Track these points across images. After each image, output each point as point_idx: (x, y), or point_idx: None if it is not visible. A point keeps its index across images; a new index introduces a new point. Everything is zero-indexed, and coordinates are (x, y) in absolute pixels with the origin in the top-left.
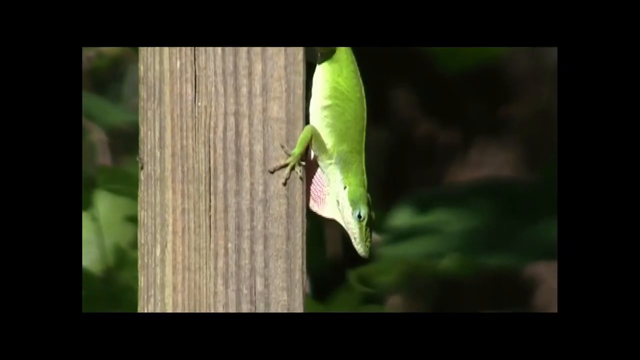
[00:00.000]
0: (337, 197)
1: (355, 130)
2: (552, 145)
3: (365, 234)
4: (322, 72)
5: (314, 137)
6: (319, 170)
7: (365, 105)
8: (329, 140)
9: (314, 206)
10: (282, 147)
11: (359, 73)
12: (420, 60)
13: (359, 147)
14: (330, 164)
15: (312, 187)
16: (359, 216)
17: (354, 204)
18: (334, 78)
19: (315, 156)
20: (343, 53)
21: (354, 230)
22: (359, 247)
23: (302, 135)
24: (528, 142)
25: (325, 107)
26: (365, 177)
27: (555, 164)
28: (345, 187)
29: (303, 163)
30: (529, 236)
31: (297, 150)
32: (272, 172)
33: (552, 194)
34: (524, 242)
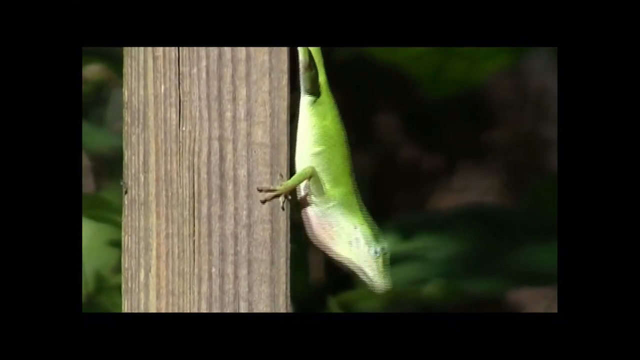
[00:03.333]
0: (349, 237)
1: (347, 172)
2: (535, 170)
3: (385, 269)
4: (308, 116)
5: (314, 179)
6: (315, 212)
7: (348, 148)
8: (325, 184)
9: (329, 243)
10: (281, 176)
11: (339, 115)
12: (404, 85)
13: (353, 188)
14: (330, 206)
15: (321, 227)
16: (376, 252)
17: (369, 241)
18: (321, 122)
19: (312, 200)
20: (326, 96)
21: (369, 268)
22: (377, 284)
23: (301, 172)
24: (511, 167)
25: (317, 154)
26: (368, 214)
27: (539, 189)
28: (355, 227)
29: (289, 197)
30: (512, 262)
31: (290, 182)
32: (260, 191)
33: (536, 219)
34: (508, 268)
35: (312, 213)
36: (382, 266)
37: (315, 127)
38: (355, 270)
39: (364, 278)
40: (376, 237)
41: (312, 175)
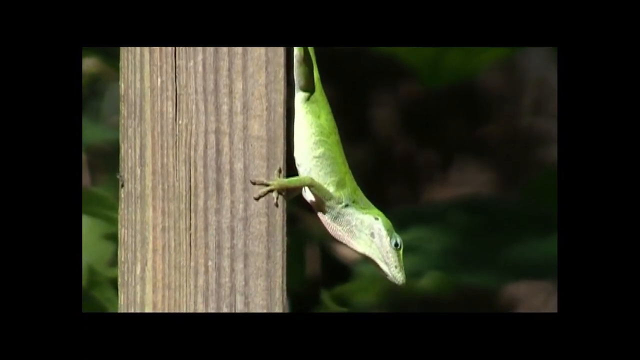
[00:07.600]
0: (371, 229)
1: (348, 170)
2: (532, 163)
3: (402, 262)
4: (303, 114)
5: (317, 187)
6: (330, 216)
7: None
8: (331, 187)
9: (348, 242)
10: (280, 171)
11: (332, 113)
12: (400, 76)
13: (355, 184)
14: (344, 206)
15: (340, 226)
16: (397, 244)
17: (390, 232)
18: (316, 121)
19: (322, 206)
20: (319, 93)
21: (392, 259)
22: (399, 275)
23: (300, 178)
24: (508, 160)
25: (319, 157)
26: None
27: (535, 182)
28: (377, 219)
29: (283, 193)
30: (508, 255)
31: (286, 181)
32: (253, 183)
33: (532, 212)
34: (503, 261)
35: (327, 218)
36: (401, 259)
37: (312, 126)
38: (377, 261)
39: (384, 270)
40: (393, 229)
41: (311, 185)
